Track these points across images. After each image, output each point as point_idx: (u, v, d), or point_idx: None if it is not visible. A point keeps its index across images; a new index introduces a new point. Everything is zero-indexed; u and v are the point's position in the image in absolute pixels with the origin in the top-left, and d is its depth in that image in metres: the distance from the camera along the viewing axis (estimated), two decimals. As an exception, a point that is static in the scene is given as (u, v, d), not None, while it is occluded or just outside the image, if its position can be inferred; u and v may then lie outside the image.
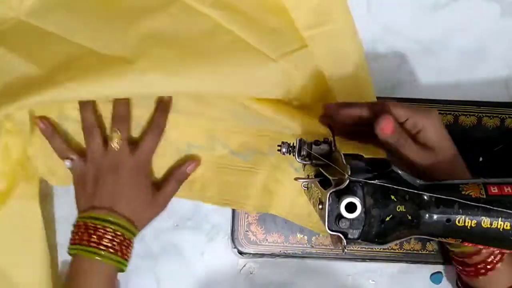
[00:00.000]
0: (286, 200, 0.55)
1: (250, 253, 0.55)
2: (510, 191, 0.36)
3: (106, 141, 0.50)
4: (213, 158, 0.55)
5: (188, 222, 0.56)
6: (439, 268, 0.55)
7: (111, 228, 0.47)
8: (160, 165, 0.54)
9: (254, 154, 0.55)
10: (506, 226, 0.35)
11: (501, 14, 0.54)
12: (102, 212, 0.48)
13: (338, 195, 0.34)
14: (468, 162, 0.45)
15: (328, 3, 0.50)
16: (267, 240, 0.55)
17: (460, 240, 0.37)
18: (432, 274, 0.56)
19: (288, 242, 0.55)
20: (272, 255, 0.55)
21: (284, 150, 0.44)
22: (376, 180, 0.35)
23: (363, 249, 0.55)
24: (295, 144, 0.44)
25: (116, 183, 0.49)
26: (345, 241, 0.35)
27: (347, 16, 0.51)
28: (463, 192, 0.36)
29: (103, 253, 0.47)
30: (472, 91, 0.55)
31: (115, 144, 0.49)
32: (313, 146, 0.43)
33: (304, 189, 0.46)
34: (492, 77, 0.55)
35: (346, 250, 0.36)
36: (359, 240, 0.35)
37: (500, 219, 0.35)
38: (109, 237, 0.47)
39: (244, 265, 0.57)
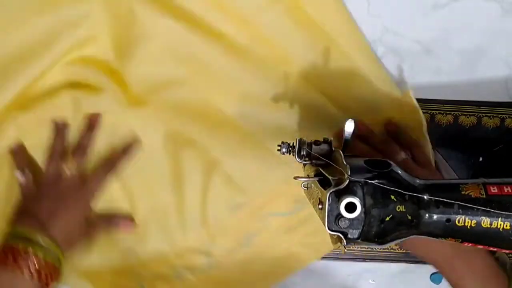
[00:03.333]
0: None
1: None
2: (510, 191, 0.36)
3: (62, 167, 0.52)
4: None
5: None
6: (439, 268, 0.55)
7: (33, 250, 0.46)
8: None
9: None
10: (506, 226, 0.35)
11: (501, 14, 0.54)
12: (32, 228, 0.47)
13: (338, 195, 0.34)
14: (468, 162, 0.45)
15: None
16: (267, 240, 0.55)
17: (460, 240, 0.37)
18: (432, 274, 0.56)
19: (288, 242, 0.55)
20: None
21: (284, 150, 0.44)
22: (376, 180, 0.35)
23: (363, 249, 0.55)
24: (294, 144, 0.44)
25: (58, 209, 0.50)
26: (345, 241, 0.35)
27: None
28: (463, 192, 0.36)
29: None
30: (472, 91, 0.55)
31: (69, 172, 0.51)
32: (313, 146, 0.43)
33: (304, 189, 0.46)
34: (492, 77, 0.55)
35: (346, 250, 0.36)
36: (359, 240, 0.35)
37: (500, 219, 0.35)
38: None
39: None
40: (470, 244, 0.37)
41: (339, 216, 0.34)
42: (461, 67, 0.55)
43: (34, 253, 0.45)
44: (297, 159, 0.43)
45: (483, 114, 0.54)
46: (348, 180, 0.34)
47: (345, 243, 0.35)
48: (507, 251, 0.50)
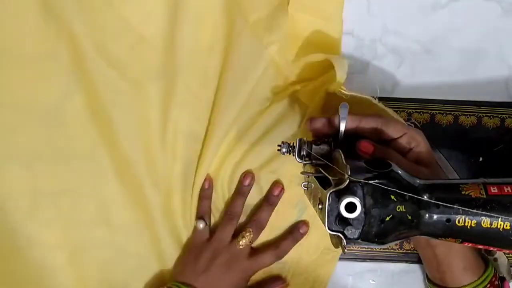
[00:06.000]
0: None
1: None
2: (510, 191, 0.36)
3: (235, 233, 0.52)
4: None
5: (188, 222, 0.56)
6: (439, 268, 0.55)
7: None
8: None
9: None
10: (506, 226, 0.35)
11: (501, 14, 0.54)
12: None
13: (338, 195, 0.34)
14: (468, 162, 0.45)
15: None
16: (267, 240, 0.55)
17: (460, 240, 0.37)
18: (432, 274, 0.56)
19: (288, 242, 0.55)
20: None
21: (284, 150, 0.44)
22: (376, 180, 0.35)
23: (363, 249, 0.55)
24: (295, 144, 0.44)
25: (221, 281, 0.50)
26: (345, 241, 0.35)
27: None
28: (463, 192, 0.36)
29: None
30: (472, 91, 0.55)
31: (242, 243, 0.51)
32: (313, 146, 0.43)
33: (304, 189, 0.46)
34: (492, 77, 0.55)
35: (346, 250, 0.36)
36: (359, 240, 0.35)
37: (500, 219, 0.35)
38: None
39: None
40: (470, 244, 0.37)
41: (339, 216, 0.34)
42: (461, 67, 0.55)
43: None
44: (297, 159, 0.43)
45: (483, 114, 0.54)
46: (348, 180, 0.34)
47: (345, 243, 0.35)
48: (507, 251, 0.50)
